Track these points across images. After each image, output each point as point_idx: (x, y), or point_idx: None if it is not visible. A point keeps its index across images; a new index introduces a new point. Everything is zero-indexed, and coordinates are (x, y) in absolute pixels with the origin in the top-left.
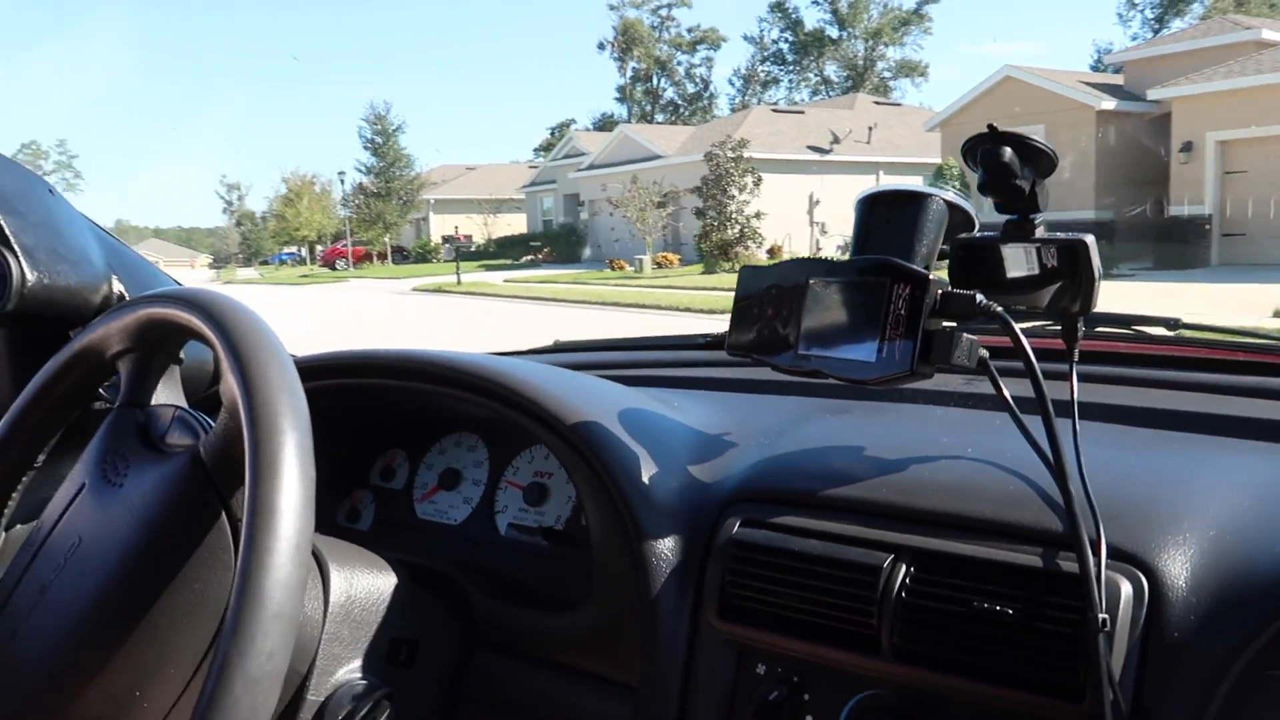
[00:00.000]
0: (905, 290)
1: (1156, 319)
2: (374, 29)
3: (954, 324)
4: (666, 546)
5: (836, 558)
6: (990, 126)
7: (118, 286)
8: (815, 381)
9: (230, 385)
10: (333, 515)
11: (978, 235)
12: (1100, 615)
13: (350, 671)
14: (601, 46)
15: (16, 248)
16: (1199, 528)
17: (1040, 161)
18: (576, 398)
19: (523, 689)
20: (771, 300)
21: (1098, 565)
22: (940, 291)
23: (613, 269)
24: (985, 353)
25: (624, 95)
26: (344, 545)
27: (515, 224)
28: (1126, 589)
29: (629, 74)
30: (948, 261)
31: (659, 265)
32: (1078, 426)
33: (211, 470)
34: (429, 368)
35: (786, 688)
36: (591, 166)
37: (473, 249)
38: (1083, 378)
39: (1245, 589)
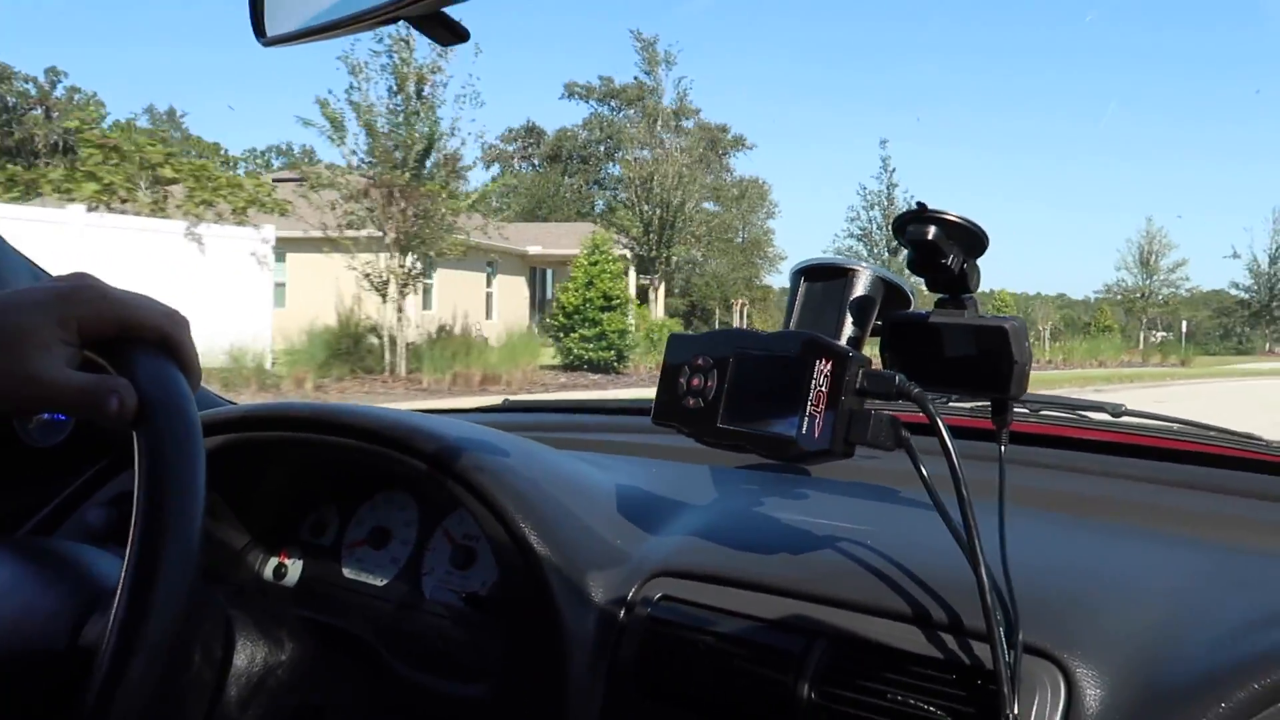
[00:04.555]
0: (827, 366)
1: (1100, 404)
2: None
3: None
4: (582, 619)
5: (752, 640)
6: (919, 204)
7: None
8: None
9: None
10: (260, 572)
11: (908, 314)
12: (1011, 714)
13: None
14: None
15: None
16: (1122, 625)
17: (969, 241)
18: (497, 459)
19: None
20: (698, 370)
21: (1013, 662)
22: (861, 370)
23: None
24: (907, 433)
25: None
26: (258, 606)
27: None
28: (1043, 688)
29: None
30: (879, 338)
31: None
32: (1005, 513)
33: None
34: (347, 422)
35: None
36: None
37: None
38: (1020, 461)
39: (1166, 691)
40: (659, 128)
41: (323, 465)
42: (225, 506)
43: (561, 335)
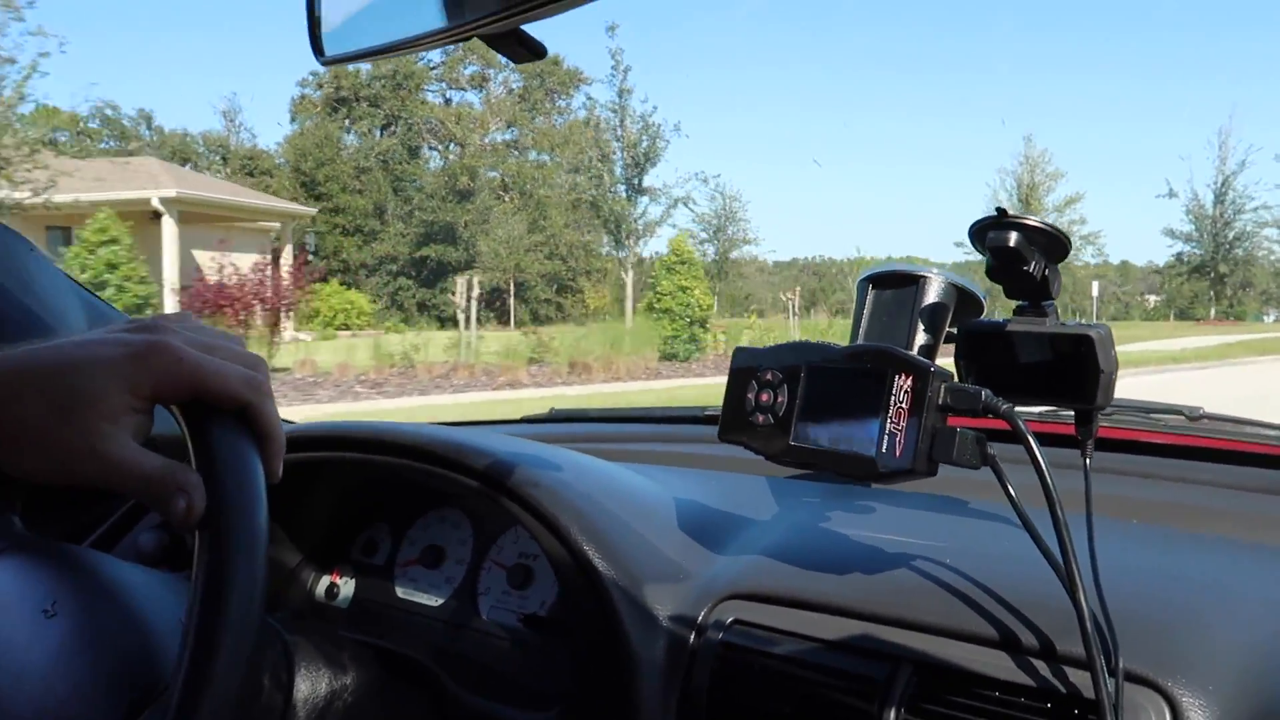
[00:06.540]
0: (907, 382)
1: (1177, 407)
2: None
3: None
4: (650, 644)
5: (832, 666)
6: (999, 209)
7: None
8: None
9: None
10: (312, 591)
11: (985, 321)
12: None
13: None
14: None
15: None
16: (1227, 646)
17: (1051, 246)
18: (551, 474)
19: None
20: (765, 385)
21: (1114, 691)
22: (944, 385)
23: None
24: (993, 450)
25: None
26: (317, 632)
27: None
28: (1147, 717)
29: None
30: (954, 347)
31: None
32: (1094, 530)
33: None
34: (398, 441)
35: None
36: None
37: None
38: (1095, 467)
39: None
40: None
41: (374, 483)
42: (277, 527)
43: None
